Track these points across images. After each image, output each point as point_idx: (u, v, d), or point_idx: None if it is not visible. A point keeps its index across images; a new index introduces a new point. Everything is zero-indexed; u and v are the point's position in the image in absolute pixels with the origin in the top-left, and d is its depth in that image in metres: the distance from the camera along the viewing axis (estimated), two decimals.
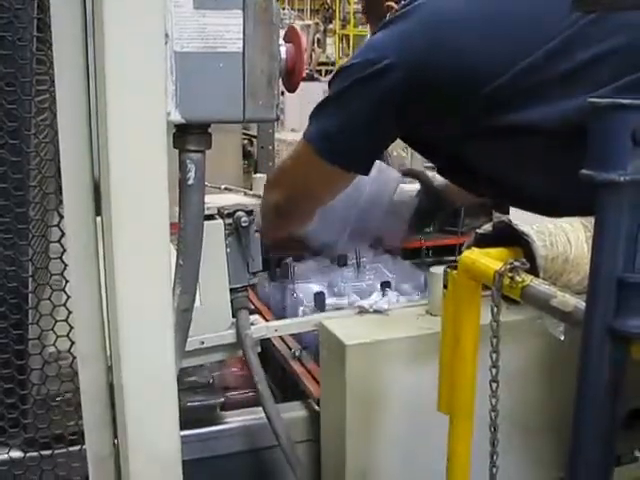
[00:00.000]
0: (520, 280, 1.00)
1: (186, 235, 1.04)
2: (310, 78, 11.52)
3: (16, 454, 1.19)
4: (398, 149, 10.75)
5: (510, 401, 1.20)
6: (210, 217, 1.53)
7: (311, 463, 1.75)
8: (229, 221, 1.52)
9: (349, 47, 11.49)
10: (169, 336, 0.98)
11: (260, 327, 1.60)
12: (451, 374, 1.20)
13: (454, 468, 1.27)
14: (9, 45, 0.99)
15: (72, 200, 0.99)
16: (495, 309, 1.04)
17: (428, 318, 1.58)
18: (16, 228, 1.04)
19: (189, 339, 1.23)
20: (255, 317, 1.62)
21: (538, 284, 0.99)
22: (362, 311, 1.61)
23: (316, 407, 1.75)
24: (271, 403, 1.56)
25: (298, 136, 6.81)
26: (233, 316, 1.58)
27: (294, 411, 1.75)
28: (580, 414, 0.89)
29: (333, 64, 12.51)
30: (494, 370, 1.07)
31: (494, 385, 1.08)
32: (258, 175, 3.10)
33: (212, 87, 0.93)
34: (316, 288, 2.02)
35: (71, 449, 1.18)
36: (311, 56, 12.39)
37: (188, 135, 0.96)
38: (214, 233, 1.51)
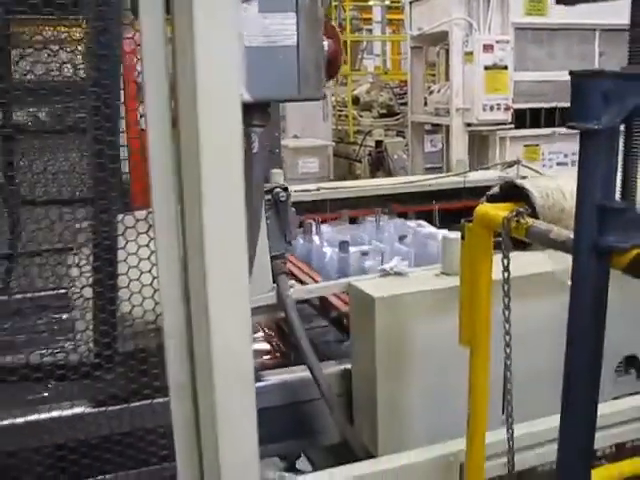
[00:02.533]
0: (524, 222, 1.25)
1: (250, 198, 1.29)
2: None
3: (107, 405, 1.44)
4: (399, 151, 10.91)
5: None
6: None
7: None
8: (268, 197, 1.77)
9: (346, 53, 11.77)
10: (245, 285, 1.23)
11: (298, 289, 1.86)
12: (470, 311, 1.44)
13: (475, 395, 1.51)
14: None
15: (158, 179, 1.24)
16: (504, 248, 1.29)
17: (443, 277, 1.83)
18: (110, 195, 1.29)
19: None
20: (292, 282, 1.87)
21: (539, 224, 1.24)
22: (385, 274, 1.86)
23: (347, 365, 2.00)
24: (312, 356, 1.81)
25: (300, 142, 7.25)
26: (273, 281, 1.83)
27: (327, 368, 2.00)
28: (572, 325, 1.14)
29: None
30: (506, 299, 1.32)
31: (507, 312, 1.33)
32: (275, 170, 3.36)
33: (274, 73, 1.18)
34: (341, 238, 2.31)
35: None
36: None
37: (254, 112, 1.22)
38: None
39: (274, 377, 1.98)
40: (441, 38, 7.12)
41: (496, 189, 1.51)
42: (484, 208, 1.37)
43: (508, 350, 1.41)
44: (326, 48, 1.25)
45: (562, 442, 1.20)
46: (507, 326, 1.39)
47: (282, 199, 1.76)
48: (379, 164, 10.25)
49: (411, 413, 1.79)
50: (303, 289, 1.89)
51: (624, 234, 1.03)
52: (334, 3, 11.82)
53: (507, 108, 6.71)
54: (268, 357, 2.23)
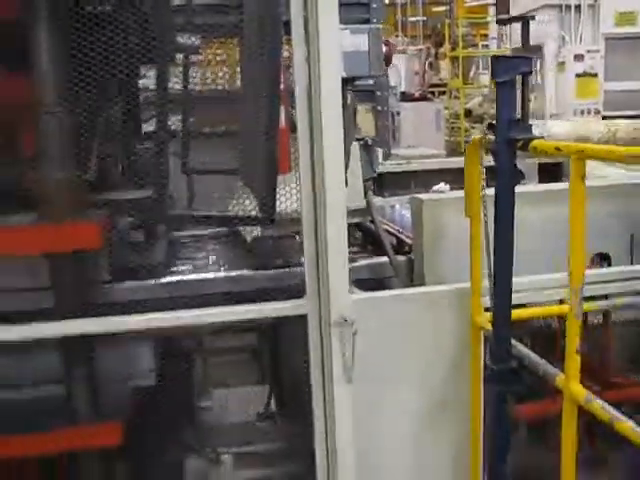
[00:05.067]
0: (487, 139, 2.47)
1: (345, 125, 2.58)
2: (423, 98, 13.06)
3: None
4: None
5: None
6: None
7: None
8: (362, 142, 3.06)
9: (459, 67, 12.93)
10: (341, 164, 2.51)
11: (379, 200, 3.14)
12: (469, 196, 2.66)
13: (473, 251, 2.70)
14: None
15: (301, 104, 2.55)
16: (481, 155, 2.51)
17: None
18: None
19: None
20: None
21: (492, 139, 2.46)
22: (433, 192, 3.10)
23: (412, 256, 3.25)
24: (387, 241, 3.07)
25: (412, 151, 8.81)
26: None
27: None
28: (499, 184, 2.33)
29: (445, 85, 14.02)
30: (484, 179, 2.53)
31: (484, 191, 2.54)
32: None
33: (356, 63, 2.48)
34: None
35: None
36: (424, 78, 13.97)
37: (346, 83, 2.51)
38: (355, 149, 3.06)
39: (363, 261, 3.26)
40: (537, 50, 8.18)
41: (486, 126, 2.73)
42: (475, 136, 2.60)
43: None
44: (384, 51, 2.53)
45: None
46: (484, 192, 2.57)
47: (369, 143, 3.04)
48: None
49: (443, 272, 3.01)
50: (381, 200, 3.16)
51: (520, 132, 2.24)
52: (447, 21, 13.04)
53: (597, 112, 7.67)
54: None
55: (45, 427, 2.62)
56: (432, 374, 2.84)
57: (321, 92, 2.42)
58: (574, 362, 2.07)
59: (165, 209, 2.82)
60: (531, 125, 2.27)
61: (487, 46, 16.11)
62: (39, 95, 2.51)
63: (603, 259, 3.18)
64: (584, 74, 7.59)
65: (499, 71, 2.22)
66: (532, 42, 7.24)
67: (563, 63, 7.67)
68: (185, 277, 3.07)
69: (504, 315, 2.38)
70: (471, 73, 14.17)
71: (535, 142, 2.20)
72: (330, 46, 2.40)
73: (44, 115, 2.52)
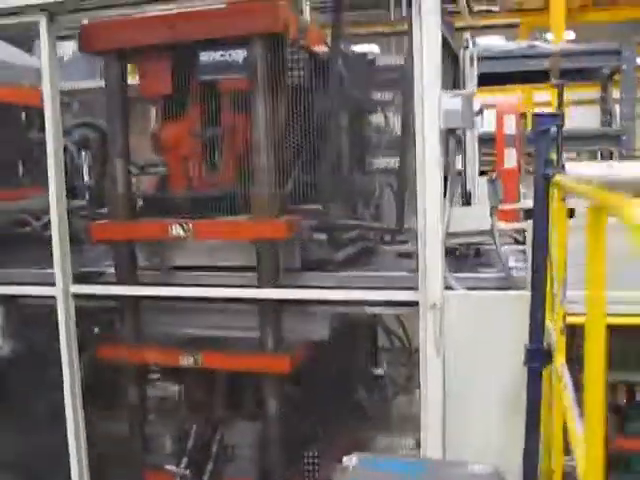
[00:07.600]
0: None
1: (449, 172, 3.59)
2: None
3: None
4: None
5: None
6: None
7: None
8: (488, 178, 4.00)
9: None
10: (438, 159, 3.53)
11: (500, 224, 4.04)
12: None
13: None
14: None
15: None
16: None
17: None
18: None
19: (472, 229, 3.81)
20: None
21: None
22: None
23: None
24: (507, 263, 3.95)
25: None
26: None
27: None
28: (535, 209, 3.16)
29: None
30: None
31: None
32: None
33: (450, 117, 3.50)
34: None
35: None
36: None
37: (449, 132, 3.54)
38: (483, 183, 4.01)
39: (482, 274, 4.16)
40: None
41: None
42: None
43: None
44: (477, 107, 3.50)
45: None
46: None
47: (493, 179, 3.96)
48: None
49: None
50: (502, 224, 4.03)
51: (552, 170, 3.07)
52: None
53: None
54: None
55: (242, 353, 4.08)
56: (512, 364, 3.63)
57: (425, 138, 3.50)
58: None
59: (328, 219, 4.10)
60: (564, 165, 3.08)
61: None
62: (255, 135, 3.97)
63: None
64: None
65: (538, 124, 3.09)
66: None
67: None
68: (349, 273, 4.28)
69: (538, 305, 3.18)
70: None
71: (555, 178, 3.02)
72: (431, 107, 3.48)
73: (259, 149, 3.98)
